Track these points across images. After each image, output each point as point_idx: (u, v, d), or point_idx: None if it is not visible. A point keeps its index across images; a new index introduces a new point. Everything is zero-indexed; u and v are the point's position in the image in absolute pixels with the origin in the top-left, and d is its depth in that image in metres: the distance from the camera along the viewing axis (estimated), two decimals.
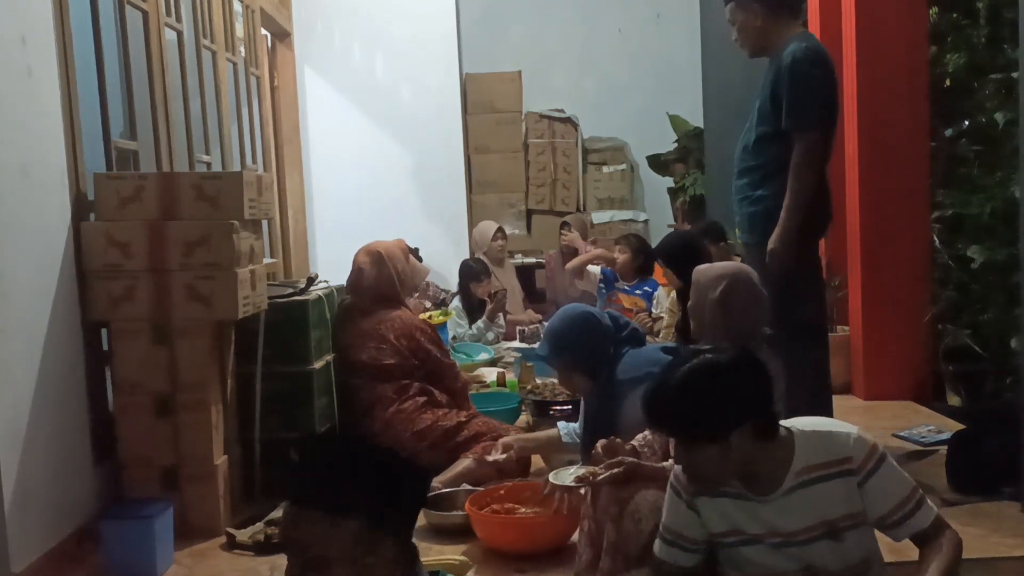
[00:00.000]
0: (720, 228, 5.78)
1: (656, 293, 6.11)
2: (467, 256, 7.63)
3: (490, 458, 3.66)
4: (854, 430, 2.16)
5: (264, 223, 4.08)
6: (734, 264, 2.98)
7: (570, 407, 4.49)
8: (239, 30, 6.01)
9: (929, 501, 2.18)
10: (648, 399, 2.14)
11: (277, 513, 3.44)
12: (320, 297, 4.03)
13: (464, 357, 5.98)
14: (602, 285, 6.39)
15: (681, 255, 4.69)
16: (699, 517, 2.24)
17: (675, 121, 8.39)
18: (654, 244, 8.04)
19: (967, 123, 5.19)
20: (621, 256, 6.24)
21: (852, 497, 2.13)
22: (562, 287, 7.09)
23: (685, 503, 2.24)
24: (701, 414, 2.06)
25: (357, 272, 4.27)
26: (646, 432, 2.89)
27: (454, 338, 6.42)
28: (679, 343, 4.02)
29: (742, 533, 2.20)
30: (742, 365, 2.11)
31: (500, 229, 7.36)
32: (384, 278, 4.23)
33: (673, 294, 5.39)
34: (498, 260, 7.28)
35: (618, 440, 2.83)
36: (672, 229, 8.21)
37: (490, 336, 6.58)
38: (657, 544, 2.31)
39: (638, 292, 6.19)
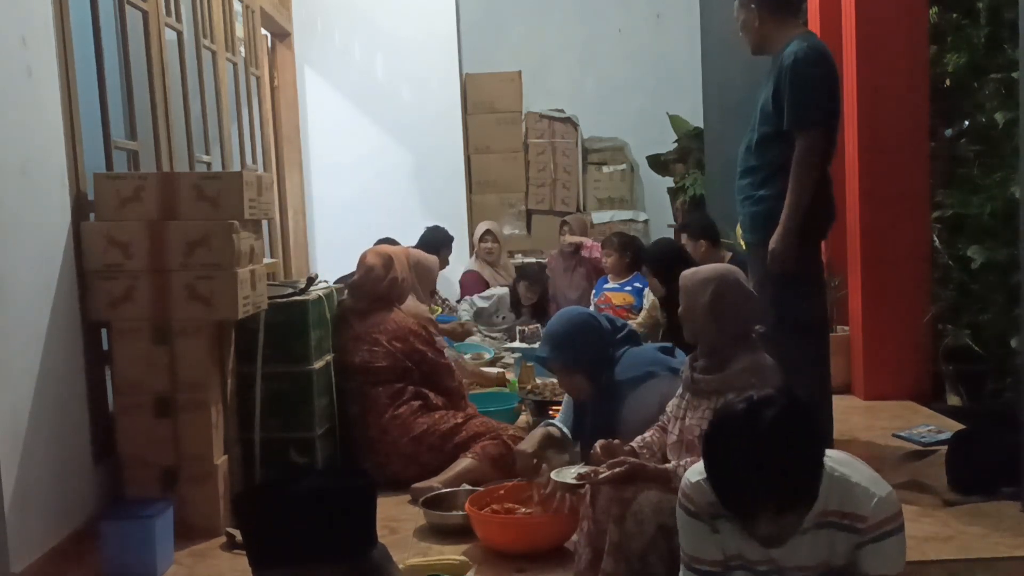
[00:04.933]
0: (714, 227, 5.81)
1: (647, 288, 6.16)
2: (466, 256, 7.65)
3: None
4: (883, 492, 2.06)
5: (264, 223, 4.08)
6: (721, 266, 2.94)
7: None
8: (239, 30, 6.01)
9: None
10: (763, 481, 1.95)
11: None
12: (320, 297, 4.03)
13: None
14: (592, 292, 6.49)
15: (666, 262, 4.88)
16: (719, 535, 2.15)
17: (675, 121, 8.39)
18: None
19: (967, 123, 5.19)
20: (608, 258, 6.33)
21: (850, 552, 2.07)
22: (562, 287, 7.10)
23: (706, 524, 2.13)
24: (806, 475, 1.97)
25: (365, 271, 4.27)
26: (645, 434, 2.90)
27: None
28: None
29: (742, 558, 2.15)
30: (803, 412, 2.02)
31: (488, 231, 7.38)
32: (389, 281, 4.25)
33: (653, 298, 5.43)
34: (489, 261, 7.31)
35: (616, 441, 2.83)
36: (672, 229, 8.22)
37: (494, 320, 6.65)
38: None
39: (627, 289, 6.23)
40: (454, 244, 7.07)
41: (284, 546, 1.63)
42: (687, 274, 2.88)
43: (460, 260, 7.30)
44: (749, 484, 1.93)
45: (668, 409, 2.84)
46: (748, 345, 2.73)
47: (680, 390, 2.82)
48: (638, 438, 2.88)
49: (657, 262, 5.08)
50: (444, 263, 6.75)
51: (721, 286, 2.75)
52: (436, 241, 6.74)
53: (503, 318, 6.71)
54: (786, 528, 2.01)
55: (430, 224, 7.05)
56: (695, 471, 2.17)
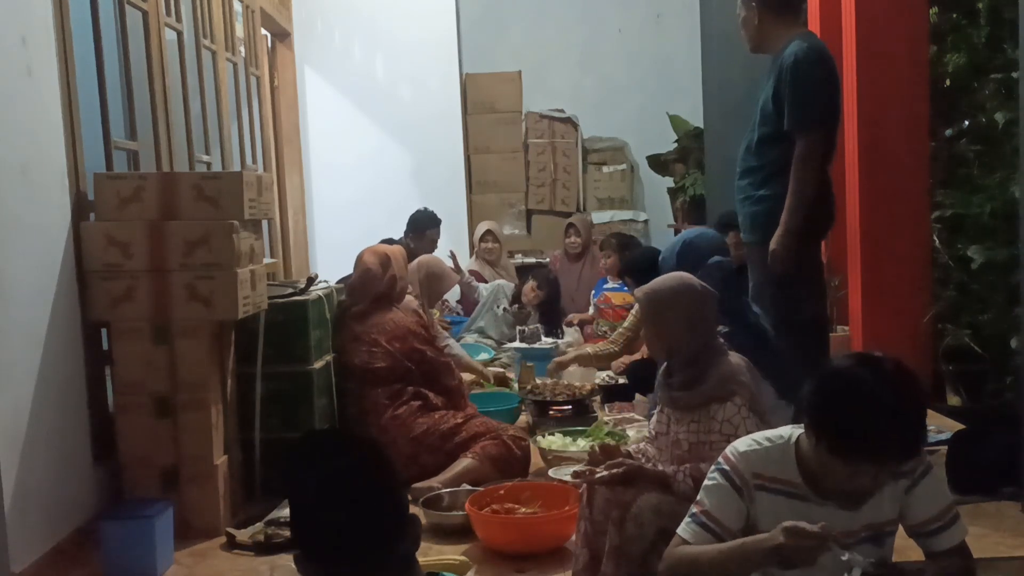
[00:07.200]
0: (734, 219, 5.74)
1: None
2: (466, 256, 7.65)
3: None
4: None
5: (264, 223, 4.08)
6: (679, 275, 2.81)
7: (570, 407, 4.50)
8: (239, 30, 6.01)
9: (963, 522, 2.17)
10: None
11: (277, 513, 3.44)
12: (320, 297, 4.03)
13: None
14: (592, 292, 6.48)
15: (651, 272, 4.44)
16: (748, 509, 2.14)
17: (675, 121, 8.38)
18: (654, 244, 8.11)
19: (967, 123, 5.19)
20: (607, 259, 6.32)
21: (897, 501, 2.12)
22: (568, 288, 7.10)
23: (738, 493, 2.13)
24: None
25: (362, 272, 4.26)
26: (640, 443, 2.89)
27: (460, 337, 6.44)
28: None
29: None
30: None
31: (488, 231, 7.39)
32: (388, 280, 4.24)
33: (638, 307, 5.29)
34: (489, 261, 7.31)
35: (614, 443, 2.83)
36: (672, 229, 8.22)
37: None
38: (689, 527, 2.15)
39: (627, 289, 6.22)
40: (453, 244, 7.08)
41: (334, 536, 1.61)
42: (646, 293, 2.74)
43: (460, 260, 7.28)
44: (877, 432, 1.92)
45: (651, 425, 2.82)
46: (719, 348, 2.70)
47: (657, 404, 2.79)
48: (634, 445, 2.88)
49: (641, 272, 4.62)
50: (433, 244, 6.80)
51: (692, 294, 2.69)
52: (428, 221, 6.83)
53: (502, 309, 6.69)
54: (880, 480, 2.02)
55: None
56: (743, 442, 2.17)
